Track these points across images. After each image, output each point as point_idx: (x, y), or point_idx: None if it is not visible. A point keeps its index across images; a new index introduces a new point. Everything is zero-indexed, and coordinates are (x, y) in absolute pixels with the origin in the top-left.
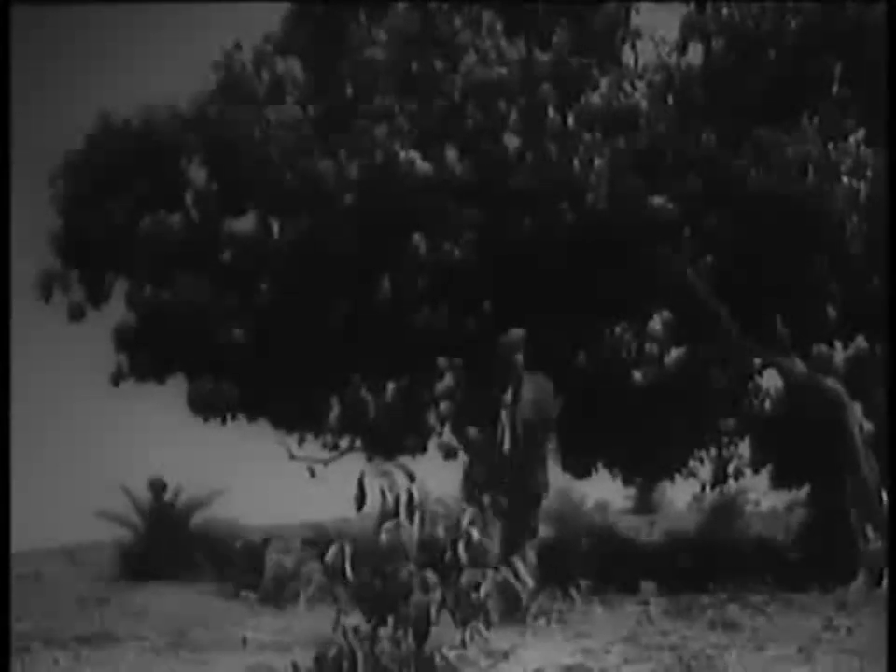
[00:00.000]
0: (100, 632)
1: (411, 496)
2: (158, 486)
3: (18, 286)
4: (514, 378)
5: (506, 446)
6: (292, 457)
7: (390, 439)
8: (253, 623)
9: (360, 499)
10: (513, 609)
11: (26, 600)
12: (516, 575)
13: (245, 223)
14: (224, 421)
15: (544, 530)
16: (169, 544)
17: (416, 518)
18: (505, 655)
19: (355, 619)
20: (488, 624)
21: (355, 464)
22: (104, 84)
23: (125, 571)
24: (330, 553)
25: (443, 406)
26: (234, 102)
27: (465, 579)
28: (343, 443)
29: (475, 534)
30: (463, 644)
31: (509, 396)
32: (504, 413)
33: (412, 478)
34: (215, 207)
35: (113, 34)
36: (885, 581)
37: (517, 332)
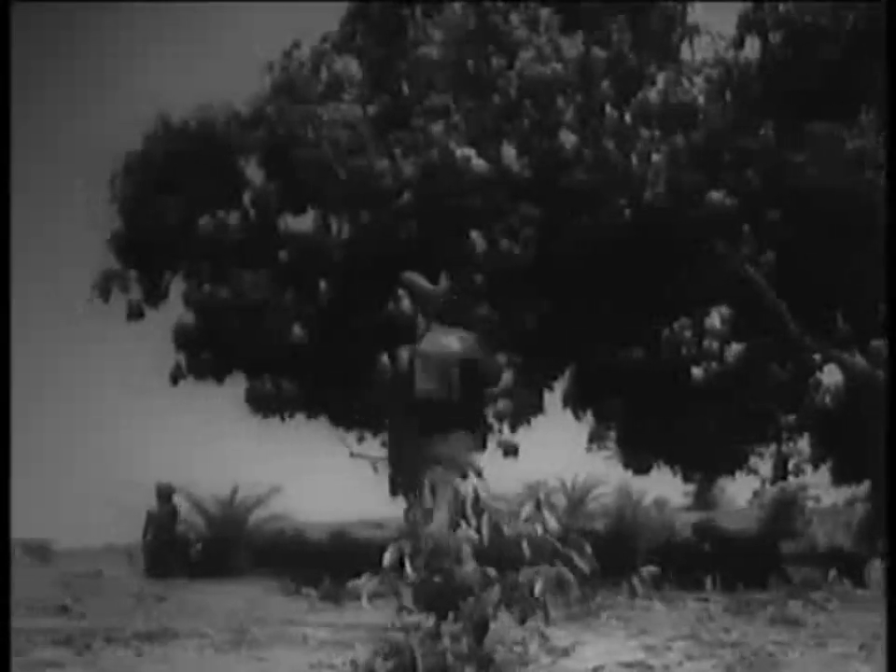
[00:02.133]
0: (160, 629)
1: (476, 492)
2: (165, 492)
3: (77, 287)
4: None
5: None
6: (352, 455)
7: None
8: (313, 620)
9: (431, 497)
10: (571, 602)
11: (87, 598)
12: (572, 566)
13: (303, 222)
14: (283, 419)
15: (603, 526)
16: (228, 542)
17: (479, 515)
18: (566, 652)
19: (415, 616)
20: (547, 621)
21: None
22: (162, 85)
23: (184, 569)
24: (392, 550)
25: (502, 403)
26: (292, 101)
27: (522, 575)
28: None
29: (536, 530)
30: (523, 641)
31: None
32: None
33: (479, 474)
34: (273, 206)
35: (172, 34)
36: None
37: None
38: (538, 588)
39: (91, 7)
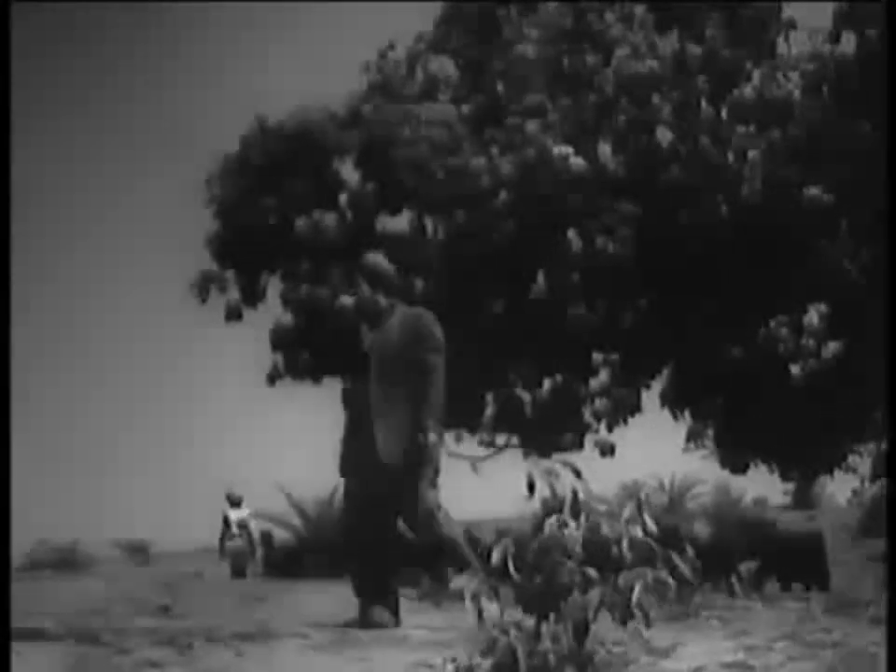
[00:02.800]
0: (261, 630)
1: (575, 492)
2: (234, 500)
3: (177, 288)
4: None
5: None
6: (449, 454)
7: (546, 435)
8: (413, 620)
9: (530, 496)
10: (672, 607)
11: (188, 598)
12: (673, 569)
13: (399, 222)
14: None
15: (702, 526)
16: (328, 542)
17: (579, 515)
18: (666, 653)
19: (516, 616)
20: (648, 624)
21: (511, 461)
22: (259, 86)
23: (285, 570)
24: (496, 550)
25: (599, 402)
26: (388, 101)
27: (622, 578)
28: (500, 441)
29: (637, 532)
30: (623, 642)
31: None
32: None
33: (578, 474)
34: (369, 206)
35: (268, 35)
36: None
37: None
38: (636, 593)
39: (183, 8)
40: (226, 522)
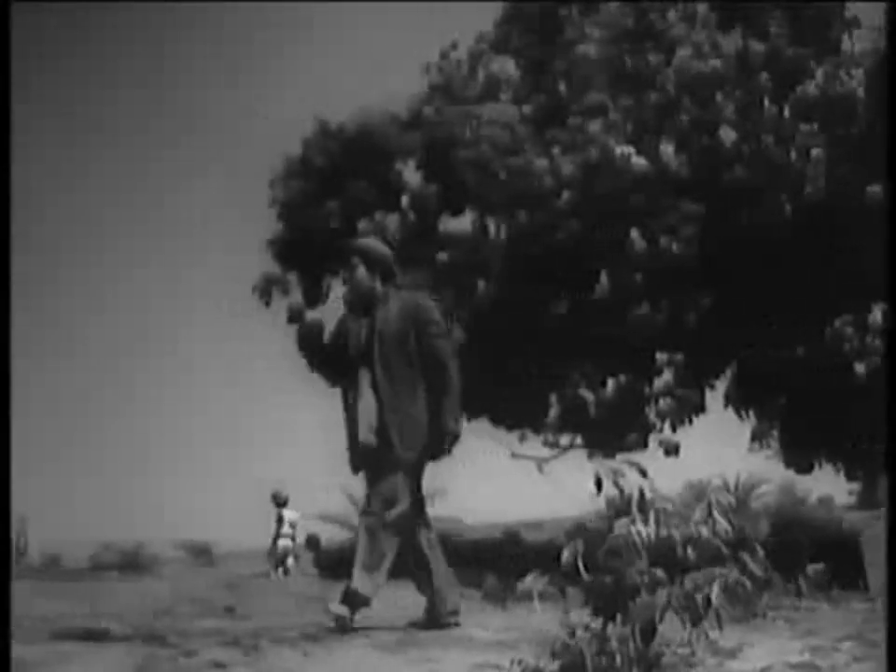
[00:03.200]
0: (326, 630)
1: (642, 493)
2: (279, 499)
3: (239, 290)
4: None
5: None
6: (513, 455)
7: (611, 436)
8: (478, 620)
9: (598, 494)
10: (744, 609)
11: (253, 599)
12: (745, 572)
13: (461, 223)
14: None
15: (768, 526)
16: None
17: (647, 515)
18: (732, 653)
19: (583, 617)
20: (720, 626)
21: (575, 461)
22: (320, 88)
23: (349, 571)
24: (566, 551)
25: (663, 402)
26: (449, 102)
27: (691, 579)
28: (564, 441)
29: (704, 532)
30: (690, 644)
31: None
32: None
33: (644, 474)
34: (431, 208)
35: (329, 35)
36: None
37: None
38: (714, 595)
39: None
40: (279, 521)
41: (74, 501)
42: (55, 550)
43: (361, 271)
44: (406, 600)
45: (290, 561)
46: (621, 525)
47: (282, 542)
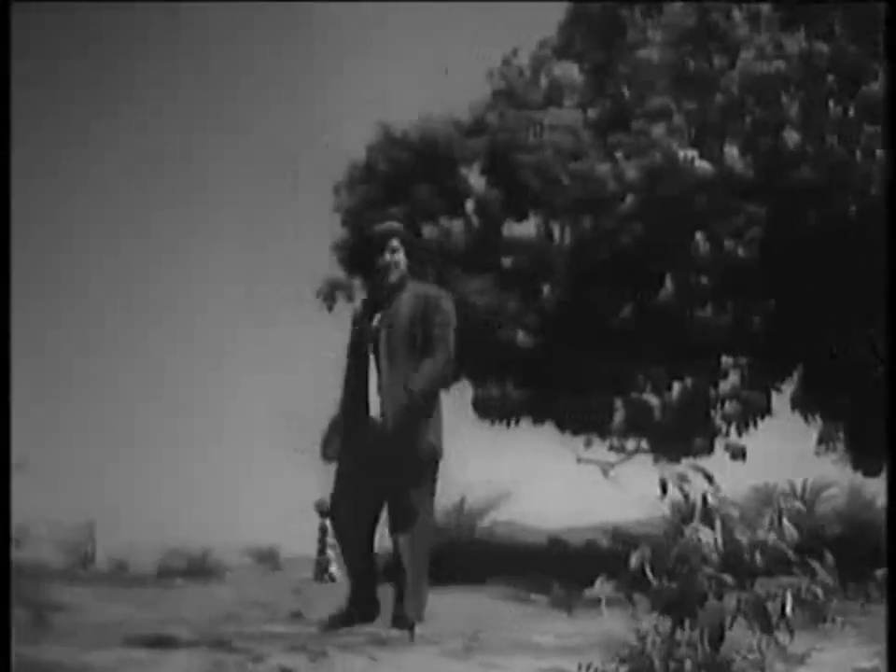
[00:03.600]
0: (394, 636)
1: (706, 497)
2: (321, 508)
3: (303, 294)
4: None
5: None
6: (579, 460)
7: (676, 440)
8: (544, 626)
9: (663, 499)
10: (814, 615)
11: (320, 604)
12: (815, 578)
13: (525, 227)
14: (509, 424)
15: (835, 530)
16: (458, 548)
17: (713, 520)
18: (801, 660)
19: (651, 622)
20: (790, 633)
21: (641, 466)
22: (383, 94)
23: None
24: (634, 556)
25: (728, 405)
26: (512, 107)
27: (760, 585)
28: (630, 445)
29: (772, 538)
30: (759, 649)
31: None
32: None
33: (710, 479)
34: (495, 213)
35: (393, 40)
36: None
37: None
38: (789, 602)
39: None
40: (323, 530)
41: (141, 506)
42: (122, 555)
43: (401, 255)
44: (469, 608)
45: (333, 569)
46: (687, 531)
47: (327, 551)
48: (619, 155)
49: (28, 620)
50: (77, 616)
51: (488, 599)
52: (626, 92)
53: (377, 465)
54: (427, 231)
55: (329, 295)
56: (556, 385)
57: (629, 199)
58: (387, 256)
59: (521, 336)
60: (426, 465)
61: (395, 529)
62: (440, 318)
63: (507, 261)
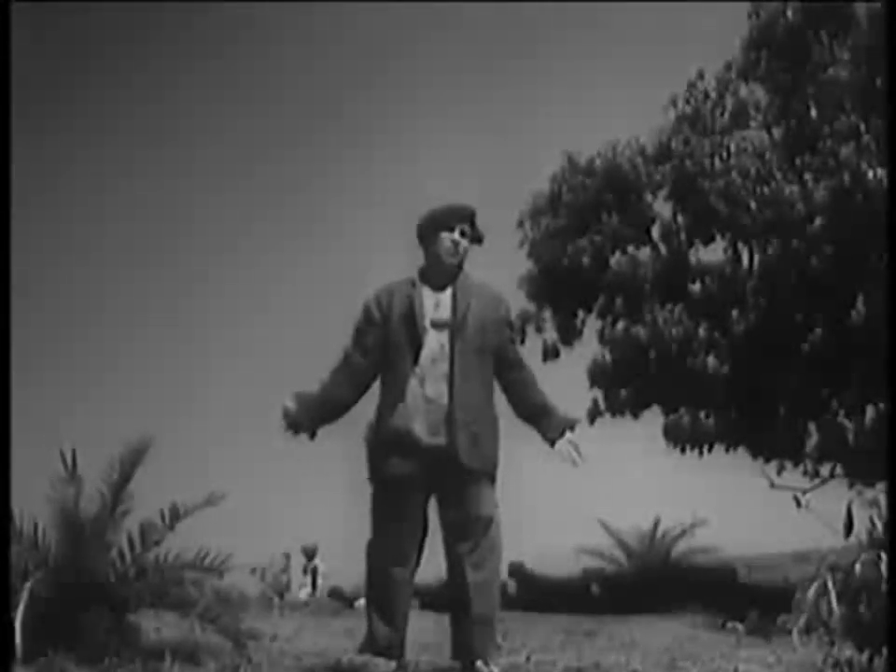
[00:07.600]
0: (591, 664)
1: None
2: (309, 552)
3: None
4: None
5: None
6: (772, 486)
7: (871, 464)
8: (742, 654)
9: (848, 528)
10: None
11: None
12: None
13: (713, 253)
14: (701, 452)
15: None
16: (653, 576)
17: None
18: None
19: (847, 651)
20: None
21: (837, 492)
22: (567, 124)
23: (611, 604)
24: (817, 585)
25: None
26: (697, 132)
27: None
28: (824, 471)
29: None
30: None
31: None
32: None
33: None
34: (682, 239)
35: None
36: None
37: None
38: None
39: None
40: (309, 572)
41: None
42: (335, 583)
43: (467, 242)
44: (665, 636)
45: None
46: (872, 557)
47: (305, 590)
48: (807, 177)
49: (229, 649)
50: (275, 644)
51: (685, 627)
52: (814, 113)
53: (439, 488)
54: (614, 261)
55: (520, 328)
56: (748, 411)
57: (818, 221)
58: (457, 234)
59: (712, 363)
60: (493, 481)
61: (461, 552)
62: (508, 332)
63: (695, 287)
